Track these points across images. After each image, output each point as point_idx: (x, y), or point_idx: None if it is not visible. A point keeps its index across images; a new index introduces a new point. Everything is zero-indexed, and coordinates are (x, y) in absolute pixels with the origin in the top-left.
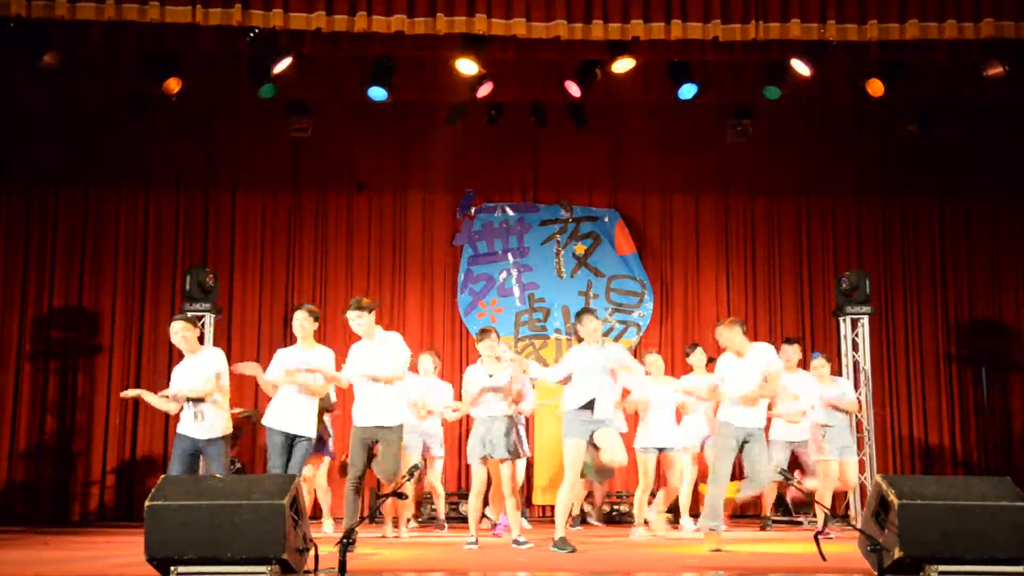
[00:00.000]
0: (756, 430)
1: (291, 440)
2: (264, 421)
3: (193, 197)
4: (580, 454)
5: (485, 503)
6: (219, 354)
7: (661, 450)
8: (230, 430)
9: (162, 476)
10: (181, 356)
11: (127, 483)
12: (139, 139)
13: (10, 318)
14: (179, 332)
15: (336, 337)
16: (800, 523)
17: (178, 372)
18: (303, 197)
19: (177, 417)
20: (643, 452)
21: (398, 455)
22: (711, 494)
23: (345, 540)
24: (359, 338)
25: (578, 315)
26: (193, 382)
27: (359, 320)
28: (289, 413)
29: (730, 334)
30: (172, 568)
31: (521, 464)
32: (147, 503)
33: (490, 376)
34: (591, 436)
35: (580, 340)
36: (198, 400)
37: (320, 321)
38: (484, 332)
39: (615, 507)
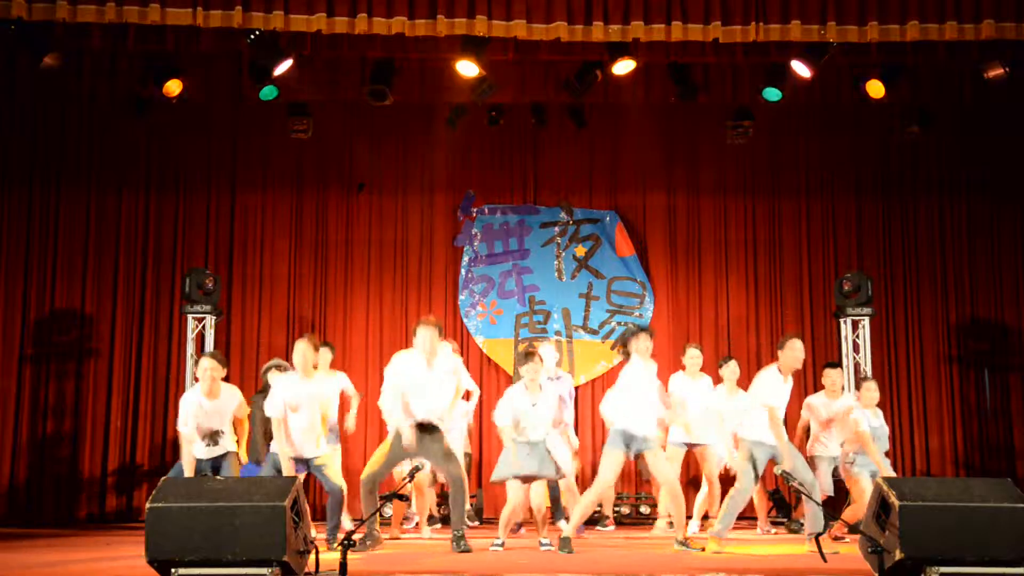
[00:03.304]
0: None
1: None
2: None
3: (194, 199)
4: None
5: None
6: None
7: (693, 446)
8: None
9: (163, 478)
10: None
11: (128, 485)
12: (140, 141)
13: (11, 320)
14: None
15: (336, 338)
16: (801, 524)
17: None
18: (303, 198)
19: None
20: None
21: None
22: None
23: (346, 541)
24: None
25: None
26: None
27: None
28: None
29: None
30: (173, 570)
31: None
32: (148, 505)
33: (533, 405)
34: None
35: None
36: (214, 434)
37: (320, 325)
38: (529, 355)
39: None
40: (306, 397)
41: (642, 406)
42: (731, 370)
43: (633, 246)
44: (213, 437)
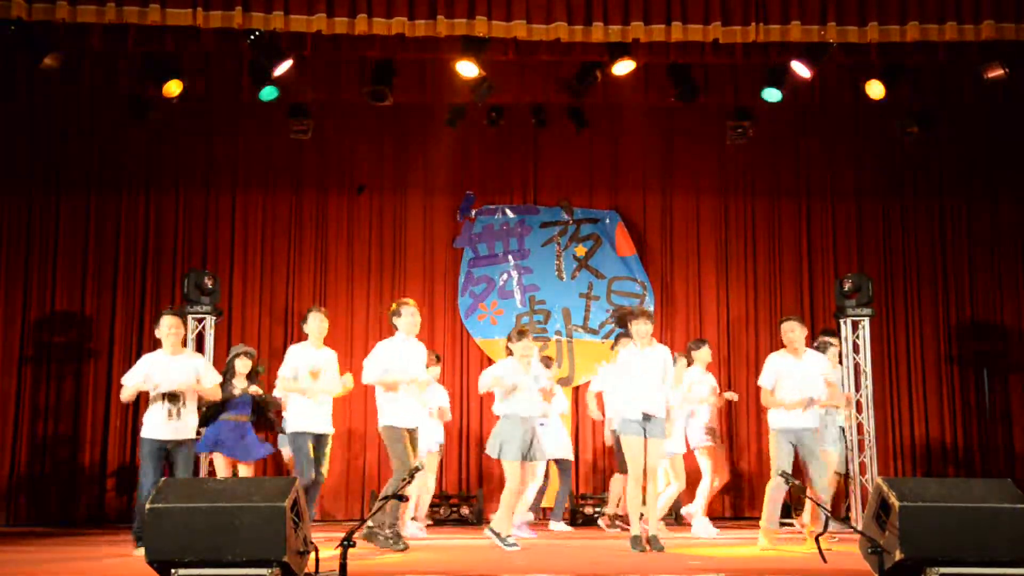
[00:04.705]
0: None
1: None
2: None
3: (194, 199)
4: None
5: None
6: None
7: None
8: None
9: (163, 479)
10: None
11: (128, 485)
12: (140, 141)
13: (11, 321)
14: (171, 328)
15: (337, 338)
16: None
17: (161, 367)
18: (303, 199)
19: None
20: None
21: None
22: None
23: (346, 542)
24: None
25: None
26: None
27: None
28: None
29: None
30: (173, 570)
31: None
32: (148, 505)
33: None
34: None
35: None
36: (175, 397)
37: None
38: (521, 334)
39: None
40: (323, 363)
41: (631, 390)
42: (704, 353)
43: (633, 246)
44: (174, 401)
